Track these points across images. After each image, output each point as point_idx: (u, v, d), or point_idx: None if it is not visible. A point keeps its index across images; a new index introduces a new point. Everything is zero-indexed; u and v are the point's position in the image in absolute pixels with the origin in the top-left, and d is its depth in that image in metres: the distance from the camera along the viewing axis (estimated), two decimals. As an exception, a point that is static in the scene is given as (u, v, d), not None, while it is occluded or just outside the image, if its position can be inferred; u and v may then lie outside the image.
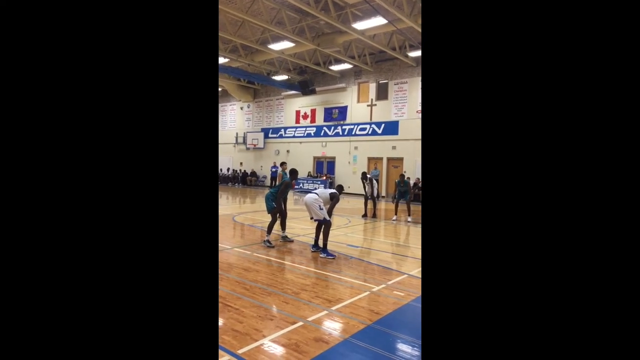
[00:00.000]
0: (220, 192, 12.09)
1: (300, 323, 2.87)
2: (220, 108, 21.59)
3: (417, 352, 2.47)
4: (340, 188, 5.73)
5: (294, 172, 5.98)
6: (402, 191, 8.89)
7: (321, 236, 5.10)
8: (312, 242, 5.49)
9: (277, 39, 12.29)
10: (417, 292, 3.73)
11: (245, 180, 19.38)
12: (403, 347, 2.57)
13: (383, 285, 3.89)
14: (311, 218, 5.28)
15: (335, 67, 15.29)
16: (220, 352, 2.37)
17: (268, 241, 5.59)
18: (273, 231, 5.84)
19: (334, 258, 4.95)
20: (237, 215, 8.82)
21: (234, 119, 21.00)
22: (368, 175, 9.36)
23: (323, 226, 5.06)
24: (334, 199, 5.27)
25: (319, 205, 5.10)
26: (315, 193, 5.29)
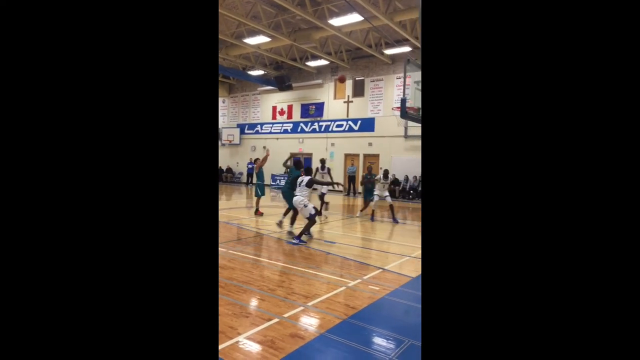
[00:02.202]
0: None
1: (276, 319, 2.85)
2: (194, 103, 21.12)
3: (391, 345, 2.51)
4: (308, 171, 6.16)
5: (298, 163, 6.43)
6: (368, 188, 8.60)
7: (302, 227, 5.75)
8: (291, 240, 5.67)
9: (253, 33, 12.12)
10: (392, 286, 3.79)
11: (220, 177, 19.08)
12: (378, 341, 2.60)
13: (359, 280, 3.93)
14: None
15: (312, 63, 15.25)
16: (194, 351, 2.33)
17: (299, 237, 5.66)
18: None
19: (302, 244, 5.51)
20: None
21: (209, 114, 20.59)
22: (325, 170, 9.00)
23: (309, 220, 5.73)
24: (309, 183, 5.81)
25: (304, 204, 5.73)
26: (296, 194, 5.85)
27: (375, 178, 8.26)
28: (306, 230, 5.77)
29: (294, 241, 5.52)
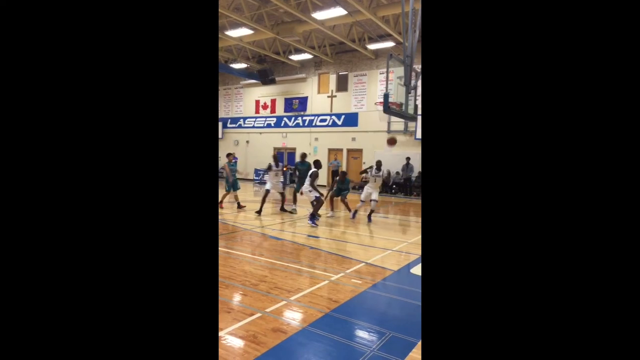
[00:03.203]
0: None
1: (259, 314, 2.84)
2: (175, 96, 20.69)
3: (373, 338, 2.54)
4: (317, 164, 7.06)
5: (317, 163, 7.15)
6: (340, 187, 8.01)
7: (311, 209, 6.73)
8: (273, 234, 5.70)
9: (235, 25, 11.92)
10: (374, 279, 3.83)
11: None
12: (360, 333, 2.63)
13: (342, 274, 3.96)
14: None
15: (295, 57, 15.13)
16: (175, 347, 2.30)
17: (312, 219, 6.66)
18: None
19: (315, 227, 6.43)
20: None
21: (190, 107, 20.21)
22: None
23: (316, 202, 6.67)
24: (312, 176, 6.76)
25: (309, 190, 6.79)
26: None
27: (368, 170, 7.59)
28: (315, 211, 6.65)
29: (309, 222, 6.60)
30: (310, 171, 6.94)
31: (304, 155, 8.48)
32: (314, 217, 6.63)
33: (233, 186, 8.35)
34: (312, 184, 6.81)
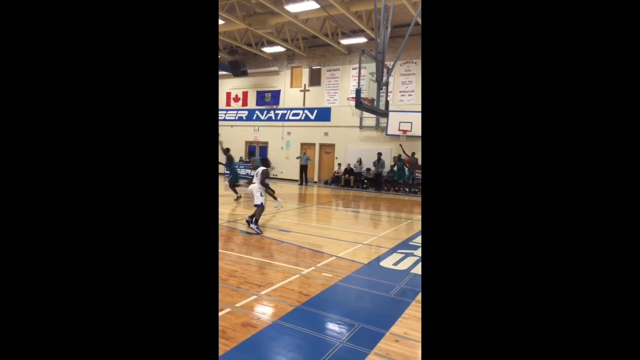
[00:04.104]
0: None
1: (228, 309, 2.81)
2: (142, 86, 19.92)
3: (343, 330, 2.58)
4: (265, 162, 6.26)
5: (266, 162, 6.35)
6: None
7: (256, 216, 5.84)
8: (243, 228, 5.64)
9: (206, 15, 11.58)
10: (344, 272, 3.87)
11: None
12: (330, 326, 2.66)
13: (313, 268, 3.98)
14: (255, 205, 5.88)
15: (268, 50, 14.92)
16: (140, 345, 2.24)
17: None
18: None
19: (259, 234, 5.48)
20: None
21: (158, 98, 19.52)
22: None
23: (258, 208, 5.76)
24: (263, 174, 5.91)
25: (260, 193, 5.81)
26: (255, 182, 5.94)
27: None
28: (258, 217, 5.73)
29: (252, 226, 5.63)
30: (260, 169, 6.00)
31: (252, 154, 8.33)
32: (257, 222, 5.66)
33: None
34: (262, 183, 5.90)
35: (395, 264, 4.28)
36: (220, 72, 16.41)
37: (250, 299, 3.05)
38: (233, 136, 16.98)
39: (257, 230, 5.52)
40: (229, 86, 17.15)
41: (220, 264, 4.03)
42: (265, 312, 2.87)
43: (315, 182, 14.68)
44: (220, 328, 2.51)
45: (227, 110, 17.34)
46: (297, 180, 14.56)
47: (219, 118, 17.47)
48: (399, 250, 4.87)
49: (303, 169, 14.30)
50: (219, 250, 4.61)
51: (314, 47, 14.91)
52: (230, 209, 7.53)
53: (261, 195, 5.77)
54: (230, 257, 4.29)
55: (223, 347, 2.26)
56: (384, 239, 5.59)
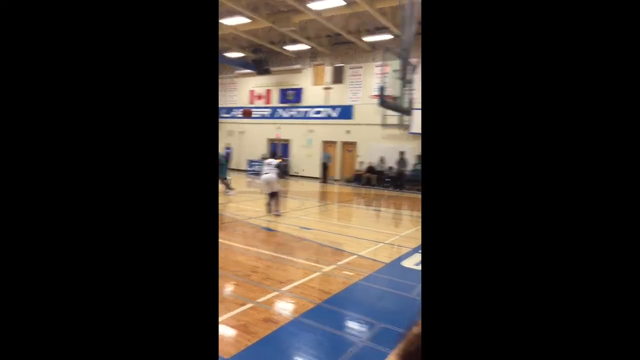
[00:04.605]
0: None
1: (250, 305, 2.85)
2: (168, 84, 20.46)
3: (364, 329, 2.57)
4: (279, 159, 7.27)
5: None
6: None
7: (275, 203, 6.73)
8: (267, 225, 5.75)
9: (231, 13, 11.75)
10: (365, 271, 3.86)
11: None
12: (350, 324, 2.66)
13: (333, 266, 3.98)
14: (268, 192, 6.74)
15: (291, 48, 14.99)
16: (165, 336, 2.31)
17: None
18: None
19: (281, 215, 6.61)
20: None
21: (183, 96, 19.99)
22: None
23: (277, 196, 6.70)
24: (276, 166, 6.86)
25: (277, 181, 6.73)
26: (269, 173, 6.63)
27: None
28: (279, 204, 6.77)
29: (277, 213, 6.59)
30: (273, 160, 6.78)
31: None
32: (278, 208, 6.70)
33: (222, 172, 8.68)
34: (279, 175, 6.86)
35: (417, 264, 4.22)
36: (244, 71, 16.63)
37: (272, 295, 3.09)
38: (255, 134, 17.19)
39: (280, 213, 6.59)
40: (252, 84, 17.35)
41: (242, 259, 4.10)
42: (286, 308, 2.89)
43: (337, 180, 14.66)
44: (242, 323, 2.56)
45: (249, 107, 17.56)
46: (318, 178, 14.60)
47: (241, 116, 17.74)
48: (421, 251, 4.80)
49: (325, 167, 14.30)
50: (241, 246, 4.69)
51: (338, 45, 14.86)
52: (252, 205, 7.63)
53: (278, 183, 6.73)
54: (252, 253, 4.36)
55: (245, 341, 2.30)
56: (406, 239, 5.53)
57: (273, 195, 6.64)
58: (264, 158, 7.98)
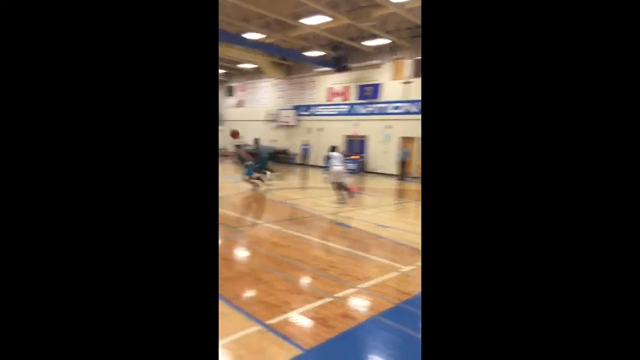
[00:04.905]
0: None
1: (329, 299, 2.91)
2: (253, 85, 21.70)
3: (445, 334, 2.45)
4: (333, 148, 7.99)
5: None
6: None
7: (343, 194, 7.52)
8: (344, 222, 5.71)
9: (311, 12, 12.03)
10: (447, 274, 3.67)
11: (277, 158, 19.60)
12: (431, 328, 2.56)
13: (412, 267, 3.86)
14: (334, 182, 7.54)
15: (370, 43, 14.83)
16: (251, 321, 2.46)
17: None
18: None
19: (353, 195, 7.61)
20: (268, 191, 8.97)
21: (266, 95, 21.07)
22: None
23: (344, 187, 7.49)
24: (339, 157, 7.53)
25: (345, 173, 7.60)
26: (339, 165, 7.35)
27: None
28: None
29: (351, 195, 7.53)
30: (336, 154, 7.47)
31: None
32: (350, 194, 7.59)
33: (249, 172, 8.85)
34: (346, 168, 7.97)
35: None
36: (323, 68, 16.93)
37: (350, 291, 3.11)
38: (333, 131, 17.42)
39: (345, 201, 7.29)
40: (330, 81, 17.58)
41: (319, 253, 4.20)
42: (364, 305, 2.89)
43: (415, 178, 14.17)
44: (321, 316, 2.62)
45: (327, 105, 17.83)
46: (395, 175, 14.27)
47: (321, 113, 18.09)
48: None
49: (402, 164, 13.92)
50: (318, 240, 4.80)
51: (418, 37, 14.28)
52: (328, 201, 7.76)
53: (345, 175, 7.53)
54: (328, 248, 4.44)
55: (324, 334, 2.36)
56: (492, 243, 5.12)
57: (340, 186, 7.37)
58: (334, 150, 8.04)
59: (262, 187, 8.91)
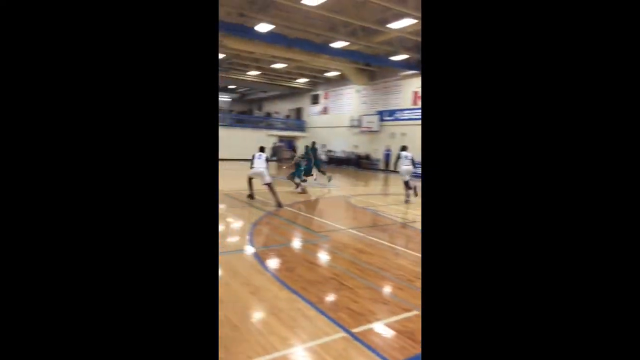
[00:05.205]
0: (333, 173, 12.51)
1: (416, 312, 2.78)
2: (336, 92, 22.09)
3: None
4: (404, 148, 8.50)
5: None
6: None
7: (409, 193, 8.12)
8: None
9: (398, 17, 11.83)
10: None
11: (359, 163, 19.63)
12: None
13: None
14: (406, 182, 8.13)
15: (460, 43, 14.01)
16: (337, 328, 2.47)
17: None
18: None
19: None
20: (351, 197, 9.00)
21: (349, 102, 21.28)
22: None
23: (411, 185, 8.02)
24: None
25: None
26: (408, 165, 8.10)
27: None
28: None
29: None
30: (404, 154, 8.06)
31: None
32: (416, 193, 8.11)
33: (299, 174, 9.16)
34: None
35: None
36: (408, 72, 16.49)
37: (438, 306, 2.93)
38: (416, 135, 16.82)
39: (411, 200, 7.80)
40: (415, 85, 17.05)
41: (404, 263, 4.05)
42: (454, 323, 2.70)
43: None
44: (408, 329, 2.51)
45: (412, 109, 17.31)
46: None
47: (405, 118, 17.63)
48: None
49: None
50: (402, 249, 4.64)
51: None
52: (412, 207, 7.48)
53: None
54: (413, 258, 4.26)
55: (411, 349, 2.26)
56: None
57: (407, 184, 8.02)
58: (404, 150, 8.37)
59: (310, 188, 9.33)
